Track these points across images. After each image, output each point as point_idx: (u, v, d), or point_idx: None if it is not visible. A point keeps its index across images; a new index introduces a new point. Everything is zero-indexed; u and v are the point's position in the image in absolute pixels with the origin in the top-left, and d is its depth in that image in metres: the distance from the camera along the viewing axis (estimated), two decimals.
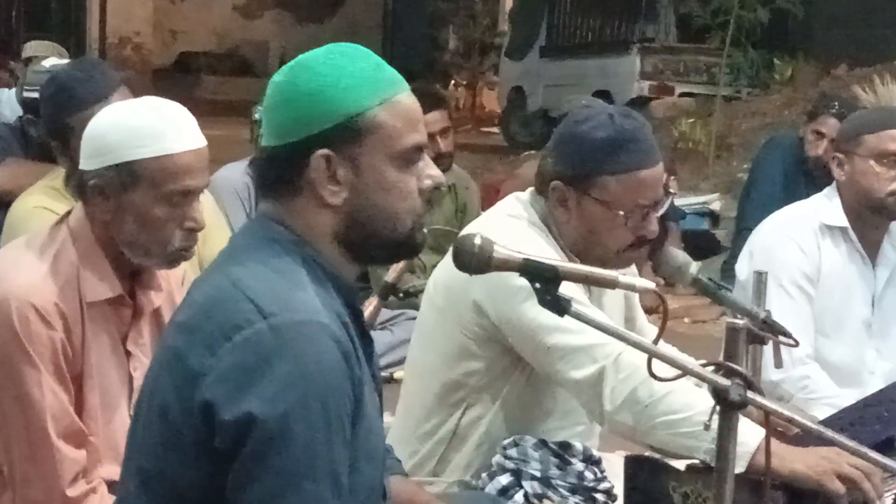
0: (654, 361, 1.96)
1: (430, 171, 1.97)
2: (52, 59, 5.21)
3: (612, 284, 1.98)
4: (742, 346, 1.97)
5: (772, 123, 11.87)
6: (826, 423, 2.56)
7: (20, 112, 4.58)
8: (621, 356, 2.60)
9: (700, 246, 7.87)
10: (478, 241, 1.96)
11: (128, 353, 2.57)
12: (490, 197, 5.83)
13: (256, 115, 5.03)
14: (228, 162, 5.36)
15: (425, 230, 2.00)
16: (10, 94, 6.48)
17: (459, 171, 6.17)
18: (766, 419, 2.04)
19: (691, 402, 2.53)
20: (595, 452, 2.75)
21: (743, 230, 6.17)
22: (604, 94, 12.85)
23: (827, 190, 3.73)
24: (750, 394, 1.86)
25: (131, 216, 2.46)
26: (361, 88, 1.90)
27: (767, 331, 2.60)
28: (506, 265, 1.96)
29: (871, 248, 3.68)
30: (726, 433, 1.90)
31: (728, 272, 5.73)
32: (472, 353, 2.81)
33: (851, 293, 3.66)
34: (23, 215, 3.39)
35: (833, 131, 5.33)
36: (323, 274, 1.91)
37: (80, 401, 2.49)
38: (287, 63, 1.99)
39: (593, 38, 16.70)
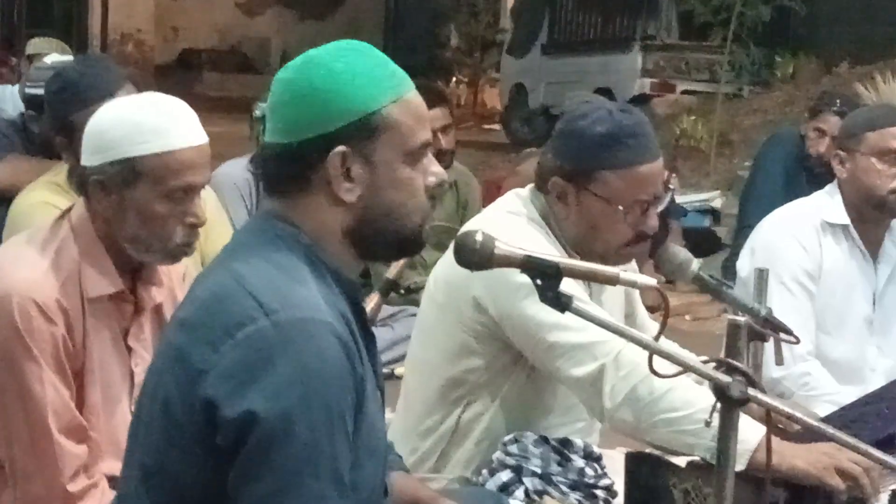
0: (655, 358, 1.96)
1: (433, 168, 1.98)
2: (55, 56, 5.22)
3: (614, 281, 1.98)
4: (743, 343, 1.97)
5: (773, 121, 11.88)
6: (827, 420, 2.57)
7: (22, 108, 4.59)
8: (621, 354, 2.60)
9: (701, 243, 7.87)
10: (479, 237, 1.96)
11: (129, 349, 2.57)
12: (491, 194, 5.82)
13: (257, 112, 5.03)
14: (230, 158, 5.36)
15: (427, 227, 2.01)
16: (12, 91, 6.48)
17: (461, 168, 6.17)
18: (768, 416, 2.04)
19: (692, 399, 2.53)
20: (596, 449, 2.75)
21: (744, 227, 6.17)
22: (605, 92, 12.84)
23: (828, 187, 3.73)
24: (751, 391, 1.86)
25: (133, 212, 2.46)
26: (376, 86, 1.90)
27: (768, 328, 2.60)
28: (507, 261, 1.96)
29: (873, 246, 3.68)
30: (727, 430, 1.90)
31: (729, 269, 5.74)
32: (472, 350, 2.81)
33: (853, 290, 3.66)
34: (26, 210, 3.39)
35: (834, 129, 5.33)
36: (326, 271, 1.90)
37: (82, 396, 2.49)
38: (289, 60, 1.98)
39: (595, 36, 16.70)
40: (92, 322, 2.49)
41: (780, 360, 2.77)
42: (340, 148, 1.88)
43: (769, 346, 2.69)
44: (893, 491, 2.54)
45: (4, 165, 4.36)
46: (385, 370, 2.33)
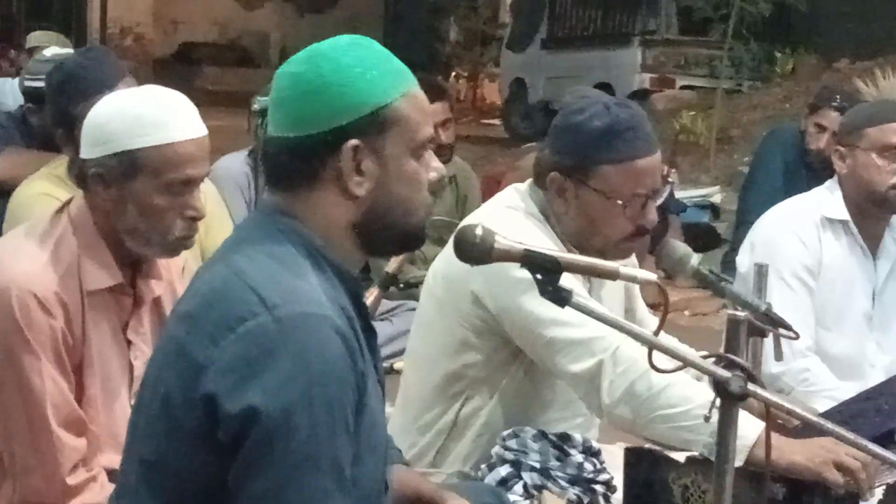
0: (655, 353, 1.96)
1: (434, 163, 1.99)
2: (55, 49, 5.22)
3: (614, 276, 1.98)
4: (743, 339, 1.96)
5: (773, 116, 11.87)
6: (826, 415, 2.56)
7: (22, 101, 4.58)
8: (620, 349, 2.60)
9: (701, 239, 7.86)
10: (479, 231, 1.96)
11: (128, 342, 2.57)
12: (491, 189, 5.82)
13: (255, 106, 5.02)
14: (228, 152, 5.36)
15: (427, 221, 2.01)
16: (12, 84, 6.48)
17: (460, 163, 6.17)
18: (767, 411, 2.04)
19: (690, 395, 2.53)
20: (594, 444, 2.76)
21: (744, 223, 6.17)
22: (605, 87, 12.83)
23: (828, 183, 3.73)
24: (750, 386, 1.86)
25: (132, 205, 2.46)
26: (386, 80, 1.91)
27: (768, 323, 2.60)
28: (507, 256, 1.96)
29: (872, 242, 3.68)
30: (726, 425, 1.90)
31: (729, 265, 5.73)
32: (471, 345, 2.81)
33: (852, 286, 3.66)
34: (26, 202, 3.39)
35: (834, 124, 5.34)
36: (328, 266, 1.90)
37: (81, 389, 2.49)
38: (288, 54, 1.98)
39: (595, 31, 16.69)
40: (91, 315, 2.49)
41: (779, 356, 2.77)
42: (353, 141, 1.88)
43: (769, 341, 2.69)
44: (888, 486, 2.54)
45: (4, 158, 4.36)
46: (384, 364, 2.33)
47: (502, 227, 2.06)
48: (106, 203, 2.47)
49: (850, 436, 1.96)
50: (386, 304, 5.12)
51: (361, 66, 1.90)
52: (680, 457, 2.54)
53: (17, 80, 5.90)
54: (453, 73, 22.88)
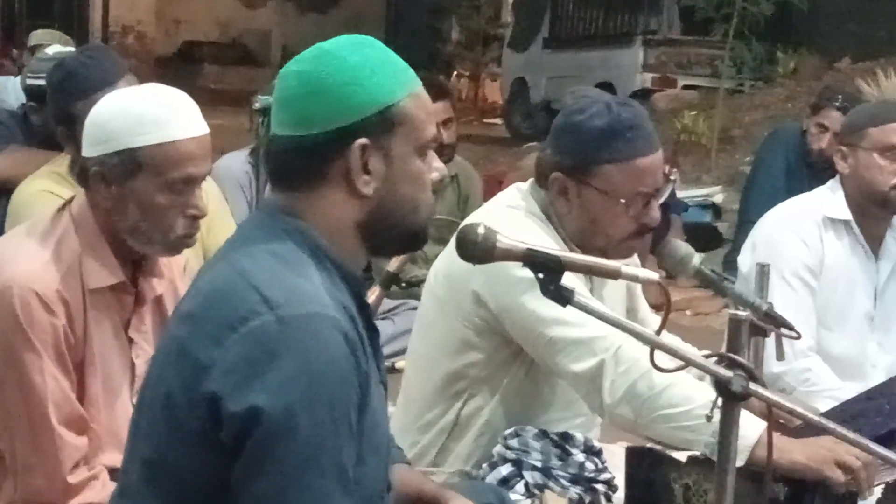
0: (657, 352, 1.96)
1: (435, 163, 1.99)
2: (56, 47, 5.22)
3: (616, 275, 1.98)
4: (744, 338, 1.97)
5: (775, 116, 11.86)
6: (828, 415, 2.56)
7: (24, 100, 4.59)
8: (621, 349, 2.59)
9: (702, 238, 7.86)
10: (481, 230, 1.96)
11: (130, 341, 2.57)
12: (492, 188, 5.82)
13: (257, 105, 5.01)
14: (230, 151, 5.36)
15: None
16: (14, 82, 6.48)
17: (462, 162, 6.17)
18: (769, 411, 2.04)
19: (691, 395, 2.53)
20: (596, 443, 2.75)
21: (745, 223, 6.16)
22: (607, 86, 12.84)
23: (830, 183, 3.73)
24: (752, 386, 1.86)
25: (133, 203, 2.45)
26: (393, 79, 1.91)
27: (770, 323, 2.60)
28: (509, 255, 1.96)
29: (874, 242, 3.68)
30: (728, 425, 1.90)
31: (730, 265, 5.72)
32: (472, 344, 2.81)
33: (854, 286, 3.66)
34: (27, 199, 3.39)
35: (836, 124, 5.33)
36: (331, 265, 1.90)
37: (82, 388, 2.49)
38: (290, 53, 1.98)
39: (596, 30, 16.70)
40: (93, 313, 2.49)
41: (781, 356, 2.77)
42: (362, 140, 1.88)
43: (770, 341, 2.69)
44: (887, 484, 2.54)
45: (6, 157, 4.36)
46: (386, 364, 2.33)
47: (504, 227, 2.06)
48: (107, 201, 2.47)
49: (852, 435, 1.96)
50: (387, 303, 5.12)
51: (369, 65, 1.90)
52: (681, 456, 2.54)
53: (19, 78, 5.90)
54: (455, 73, 22.88)
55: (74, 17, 21.20)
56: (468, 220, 2.37)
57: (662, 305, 2.02)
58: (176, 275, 2.68)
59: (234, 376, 1.77)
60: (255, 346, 1.78)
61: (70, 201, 2.58)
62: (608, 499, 2.68)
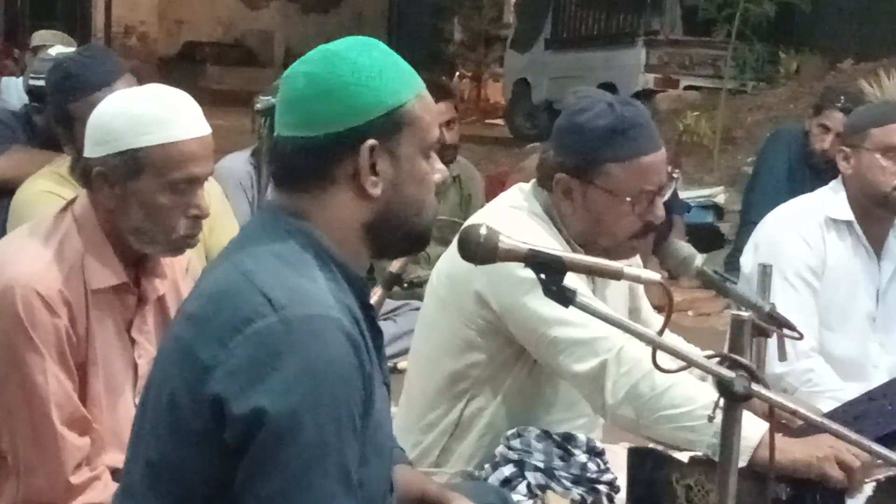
0: (659, 353, 1.96)
1: (437, 164, 2.00)
2: (59, 48, 5.22)
3: (618, 275, 1.98)
4: (746, 339, 1.96)
5: (777, 117, 11.87)
6: (830, 416, 2.56)
7: (27, 100, 4.59)
8: (623, 350, 2.59)
9: (704, 239, 7.87)
10: (483, 230, 1.96)
11: (132, 341, 2.57)
12: (495, 189, 5.82)
13: (258, 106, 5.02)
14: (232, 152, 5.36)
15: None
16: (16, 83, 6.49)
17: (464, 163, 6.17)
18: (771, 412, 2.04)
19: (693, 396, 2.53)
20: (598, 444, 2.75)
21: (748, 223, 6.17)
22: (609, 87, 12.82)
23: (832, 183, 3.73)
24: (754, 386, 1.86)
25: (136, 204, 2.45)
26: (400, 81, 1.91)
27: (772, 323, 2.60)
28: (511, 255, 1.96)
29: (876, 242, 3.68)
30: (730, 425, 1.90)
31: (732, 265, 5.72)
32: (474, 345, 2.81)
33: (856, 287, 3.66)
34: (29, 199, 3.39)
35: (839, 125, 5.33)
36: (335, 266, 1.90)
37: (85, 388, 2.49)
38: (292, 53, 1.99)
39: (599, 31, 16.70)
40: (95, 314, 2.49)
41: (783, 356, 2.77)
42: (371, 141, 1.88)
43: (772, 341, 2.69)
44: (878, 482, 2.54)
45: (8, 157, 4.36)
46: (388, 364, 2.33)
47: (506, 227, 2.07)
48: (110, 202, 2.47)
49: (854, 436, 1.96)
50: (389, 304, 5.11)
51: (377, 66, 1.90)
52: (683, 457, 2.54)
53: (21, 79, 5.91)
54: (457, 73, 22.88)
55: (77, 17, 21.20)
56: (471, 221, 2.37)
57: (665, 306, 2.02)
58: (178, 275, 2.68)
59: (238, 378, 1.77)
60: (259, 347, 1.77)
61: (73, 202, 2.58)
62: (610, 499, 2.68)
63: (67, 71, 3.28)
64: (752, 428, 2.41)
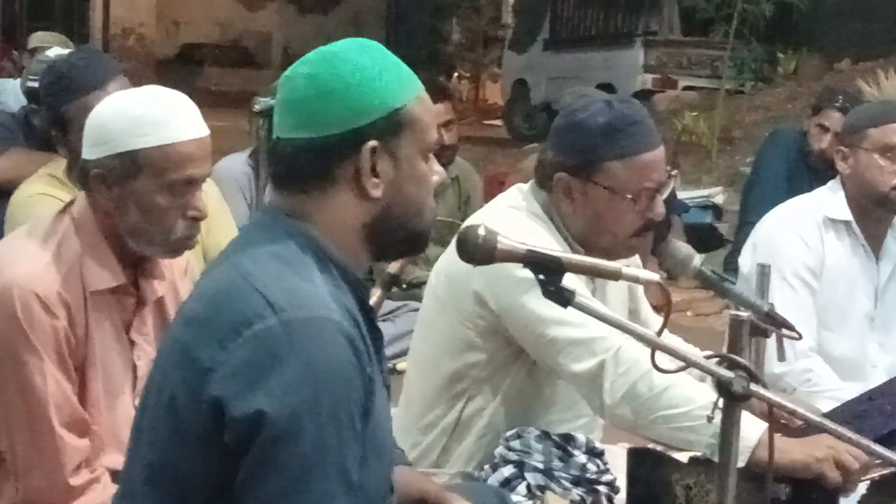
0: (658, 353, 1.96)
1: (435, 166, 2.00)
2: (56, 49, 5.22)
3: (616, 276, 1.98)
4: (745, 339, 1.97)
5: (775, 117, 11.87)
6: (829, 416, 2.56)
7: (24, 102, 4.59)
8: (621, 350, 2.59)
9: (703, 239, 7.86)
10: (482, 231, 1.96)
11: (131, 342, 2.57)
12: (493, 189, 5.83)
13: (257, 107, 5.02)
14: (230, 153, 5.36)
15: None
16: (14, 84, 6.49)
17: (463, 163, 6.17)
18: (770, 412, 2.04)
19: (691, 396, 2.53)
20: (598, 445, 2.75)
21: (746, 224, 6.16)
22: (607, 87, 12.83)
23: (831, 183, 3.73)
24: (753, 386, 1.86)
25: (134, 205, 2.45)
26: (400, 82, 1.91)
27: (770, 324, 2.60)
28: (510, 256, 1.96)
29: (875, 242, 3.68)
30: (729, 425, 1.90)
31: (731, 266, 5.73)
32: (473, 345, 2.81)
33: (854, 287, 3.66)
34: (25, 202, 3.39)
35: (837, 125, 5.33)
36: (335, 268, 1.90)
37: (84, 389, 2.49)
38: (290, 54, 1.99)
39: (597, 31, 16.72)
40: (94, 315, 2.49)
41: (782, 356, 2.77)
42: (372, 143, 1.88)
43: (771, 342, 2.69)
44: (872, 480, 2.54)
45: (6, 159, 4.36)
46: (387, 365, 2.34)
47: (505, 227, 2.07)
48: (108, 203, 2.47)
49: (853, 436, 1.96)
50: (388, 305, 5.12)
51: (378, 67, 1.90)
52: (683, 457, 2.54)
53: (19, 80, 5.91)
54: (455, 74, 22.91)
55: (75, 19, 21.21)
56: (469, 222, 2.37)
57: (663, 306, 2.02)
58: (177, 276, 2.68)
59: (238, 380, 1.76)
60: (259, 350, 1.77)
61: (71, 203, 2.57)
62: (610, 500, 2.68)
63: (60, 73, 3.28)
64: (751, 428, 2.41)
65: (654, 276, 1.98)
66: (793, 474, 2.43)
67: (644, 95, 13.73)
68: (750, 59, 13.23)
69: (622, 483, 2.66)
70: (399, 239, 1.97)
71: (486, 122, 20.31)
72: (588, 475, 2.66)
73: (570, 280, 1.97)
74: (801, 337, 2.70)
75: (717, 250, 8.09)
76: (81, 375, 2.48)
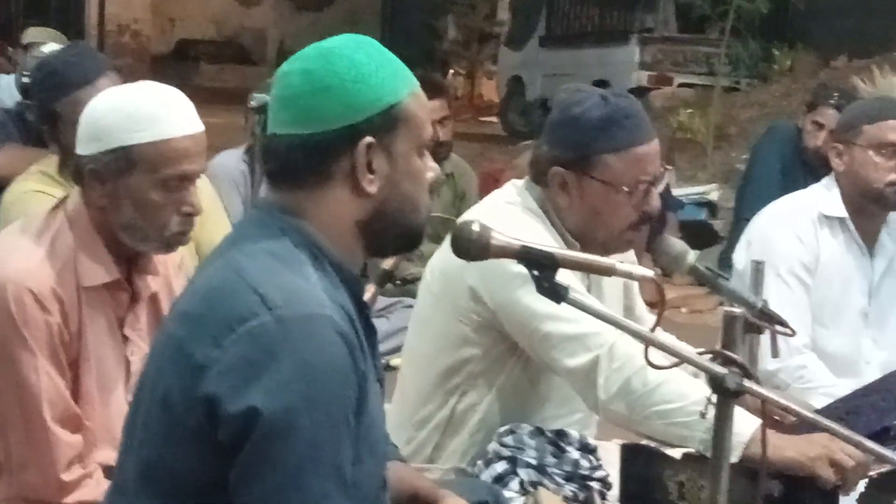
0: (651, 349, 1.96)
1: (430, 163, 1.99)
2: (51, 45, 5.21)
3: (610, 272, 1.98)
4: (739, 335, 1.97)
5: (770, 114, 11.88)
6: (822, 412, 2.57)
7: (19, 98, 4.59)
8: (616, 345, 2.60)
9: (698, 236, 7.87)
10: (476, 227, 1.96)
11: (125, 338, 2.57)
12: (488, 186, 5.81)
13: (252, 103, 5.01)
14: (226, 149, 5.36)
15: None
16: (9, 81, 6.47)
17: (458, 160, 6.17)
18: (763, 408, 2.04)
19: (685, 391, 2.53)
20: (591, 441, 2.75)
21: (741, 220, 6.17)
22: (603, 84, 12.80)
23: (825, 180, 3.73)
24: (747, 382, 1.86)
25: (128, 201, 2.45)
26: (396, 78, 1.91)
27: (764, 320, 2.60)
28: (504, 252, 1.96)
29: (869, 239, 3.69)
30: (722, 422, 1.90)
31: (726, 262, 5.72)
32: (468, 340, 2.81)
33: (849, 283, 3.66)
34: (17, 200, 3.38)
35: (832, 122, 5.33)
36: (329, 265, 1.90)
37: (77, 385, 2.49)
38: (286, 51, 1.98)
39: (593, 28, 16.72)
40: (87, 311, 2.49)
41: (776, 353, 2.78)
42: (368, 139, 1.88)
43: (765, 338, 2.69)
44: (871, 478, 2.54)
45: (1, 155, 4.36)
46: (381, 361, 2.34)
47: (501, 223, 2.07)
48: (102, 199, 2.47)
49: (846, 432, 1.96)
50: (382, 301, 5.12)
51: (374, 63, 1.89)
52: (676, 453, 2.54)
53: (14, 76, 5.90)
54: (451, 71, 22.86)
55: (70, 15, 21.15)
56: (464, 218, 2.37)
57: (657, 303, 2.02)
58: (171, 272, 2.68)
59: (232, 377, 1.76)
60: (253, 346, 1.77)
61: (65, 199, 2.57)
62: (602, 496, 2.68)
63: (50, 69, 3.28)
64: (745, 424, 2.41)
65: (648, 272, 1.98)
66: (786, 471, 2.43)
67: (640, 92, 13.70)
68: (745, 56, 13.23)
69: (615, 479, 2.66)
70: (394, 235, 1.97)
71: (482, 118, 20.30)
72: (581, 471, 2.66)
73: (565, 276, 1.97)
74: (794, 333, 2.70)
75: (711, 247, 8.10)
76: (75, 371, 2.48)
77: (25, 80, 4.27)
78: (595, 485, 2.67)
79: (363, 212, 1.92)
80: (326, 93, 1.87)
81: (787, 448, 2.43)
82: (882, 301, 3.70)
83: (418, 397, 2.90)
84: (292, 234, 1.89)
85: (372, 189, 1.90)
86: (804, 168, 6.05)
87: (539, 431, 2.71)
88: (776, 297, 3.26)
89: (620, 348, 2.58)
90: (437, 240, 3.05)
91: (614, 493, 2.68)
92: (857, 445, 2.02)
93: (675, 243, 2.73)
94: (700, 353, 1.94)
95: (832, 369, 3.56)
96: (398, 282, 4.99)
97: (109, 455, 2.35)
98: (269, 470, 1.75)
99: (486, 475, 2.67)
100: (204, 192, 2.57)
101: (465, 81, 23.19)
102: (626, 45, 15.08)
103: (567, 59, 15.94)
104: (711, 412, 1.91)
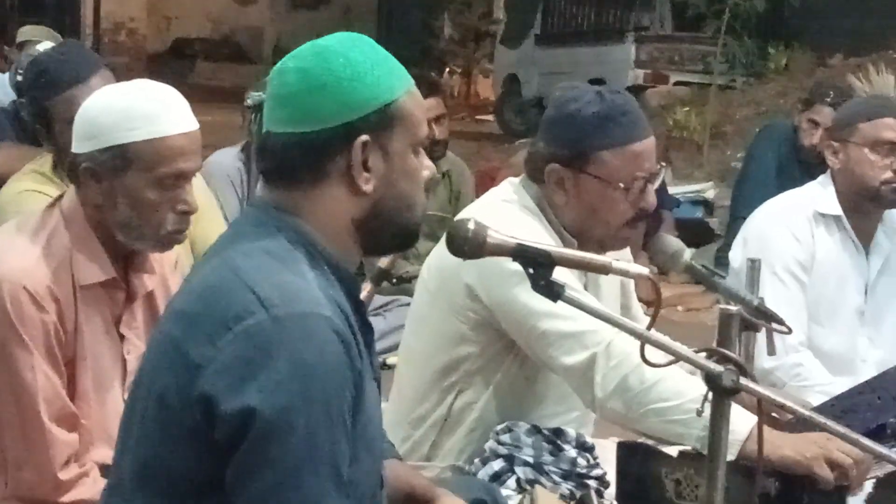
0: (648, 348, 1.96)
1: (426, 161, 1.99)
2: (46, 44, 5.21)
3: (606, 269, 1.97)
4: (735, 333, 1.97)
5: (766, 112, 11.89)
6: (819, 410, 2.57)
7: (14, 96, 4.58)
8: (612, 343, 2.60)
9: (694, 234, 7.87)
10: (471, 225, 1.96)
11: (121, 337, 2.57)
12: (484, 184, 5.82)
13: (249, 101, 5.01)
14: (222, 147, 5.36)
15: None
16: (3, 79, 6.47)
17: (454, 158, 6.17)
18: (759, 406, 2.04)
19: (682, 389, 2.53)
20: (588, 439, 2.75)
21: (737, 218, 6.17)
22: (599, 82, 12.73)
23: (821, 178, 3.73)
24: (743, 380, 1.86)
25: (124, 199, 2.45)
26: (392, 77, 1.91)
27: (760, 318, 2.60)
28: (500, 250, 1.96)
29: (865, 237, 3.69)
30: (719, 420, 1.90)
31: (722, 260, 5.72)
32: (465, 338, 2.81)
33: (845, 281, 3.66)
34: (13, 199, 3.38)
35: (827, 120, 5.33)
36: (325, 264, 1.89)
37: (73, 384, 2.49)
38: (282, 49, 1.98)
39: (588, 26, 16.71)
40: (84, 309, 2.49)
41: (772, 351, 2.77)
42: (364, 137, 1.88)
43: (761, 336, 2.69)
44: (878, 479, 2.54)
45: None
46: (378, 360, 2.34)
47: (497, 221, 2.07)
48: (97, 197, 2.47)
49: (843, 430, 1.96)
50: (379, 300, 5.12)
51: (370, 61, 1.89)
52: (672, 451, 2.54)
53: (9, 74, 5.89)
54: (447, 69, 22.85)
55: (66, 13, 21.13)
56: (461, 215, 2.37)
57: (653, 301, 2.02)
58: (167, 270, 2.68)
59: (228, 376, 1.76)
60: (249, 345, 1.77)
61: (60, 198, 2.57)
62: (599, 494, 2.68)
63: (41, 68, 3.27)
64: (741, 422, 2.41)
65: (644, 270, 1.98)
66: (783, 470, 2.43)
67: (636, 90, 13.72)
68: (741, 55, 13.22)
69: (612, 477, 2.66)
70: (390, 234, 1.97)
71: (478, 117, 20.29)
72: (578, 469, 2.66)
73: (562, 274, 1.97)
74: (790, 331, 2.70)
75: (707, 245, 8.10)
76: (71, 370, 2.48)
77: (19, 78, 4.26)
78: (592, 483, 2.67)
79: (359, 210, 1.92)
80: (322, 91, 1.87)
81: (783, 446, 2.43)
82: (878, 299, 3.70)
83: (415, 395, 2.90)
84: (288, 233, 1.89)
85: (368, 187, 1.90)
86: (800, 166, 6.05)
87: (536, 429, 2.71)
88: (772, 295, 3.26)
89: (617, 346, 2.58)
90: (434, 238, 3.05)
91: (611, 491, 2.68)
92: (855, 443, 2.02)
93: (672, 241, 2.73)
94: (696, 351, 1.94)
95: (828, 367, 3.56)
96: (394, 280, 4.99)
97: (106, 453, 2.35)
98: (266, 469, 1.75)
99: (483, 473, 2.67)
100: (196, 188, 2.57)
101: (462, 80, 23.18)
102: (622, 44, 15.08)
103: (563, 58, 15.93)
104: (708, 410, 1.91)
